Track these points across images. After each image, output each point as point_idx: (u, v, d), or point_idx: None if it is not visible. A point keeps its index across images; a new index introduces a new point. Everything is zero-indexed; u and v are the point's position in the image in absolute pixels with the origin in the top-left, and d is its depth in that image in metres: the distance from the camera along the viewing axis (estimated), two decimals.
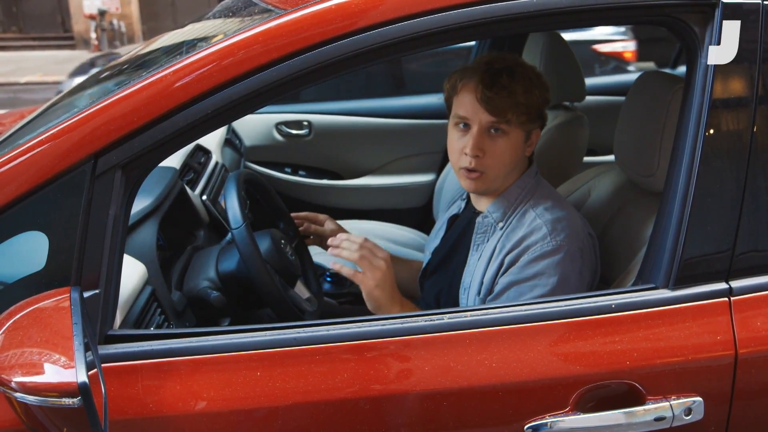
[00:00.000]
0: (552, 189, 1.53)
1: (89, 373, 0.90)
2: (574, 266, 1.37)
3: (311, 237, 1.83)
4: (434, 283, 1.64)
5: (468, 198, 1.61)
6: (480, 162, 1.43)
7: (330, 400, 1.07)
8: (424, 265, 1.72)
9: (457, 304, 1.52)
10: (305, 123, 3.01)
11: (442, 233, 1.69)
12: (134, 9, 14.41)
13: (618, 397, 1.12)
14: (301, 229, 1.80)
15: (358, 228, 1.95)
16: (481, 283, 1.45)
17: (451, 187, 2.50)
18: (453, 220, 1.67)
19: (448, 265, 1.60)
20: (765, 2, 1.12)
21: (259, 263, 1.50)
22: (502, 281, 1.41)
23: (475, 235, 1.52)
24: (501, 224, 1.47)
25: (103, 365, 1.02)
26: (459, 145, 1.45)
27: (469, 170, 1.44)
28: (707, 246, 1.15)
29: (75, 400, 0.88)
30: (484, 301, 1.44)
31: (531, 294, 1.36)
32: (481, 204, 1.53)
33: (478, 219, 1.52)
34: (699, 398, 1.12)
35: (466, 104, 1.44)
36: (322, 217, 1.83)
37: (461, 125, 1.46)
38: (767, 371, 1.16)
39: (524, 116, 1.43)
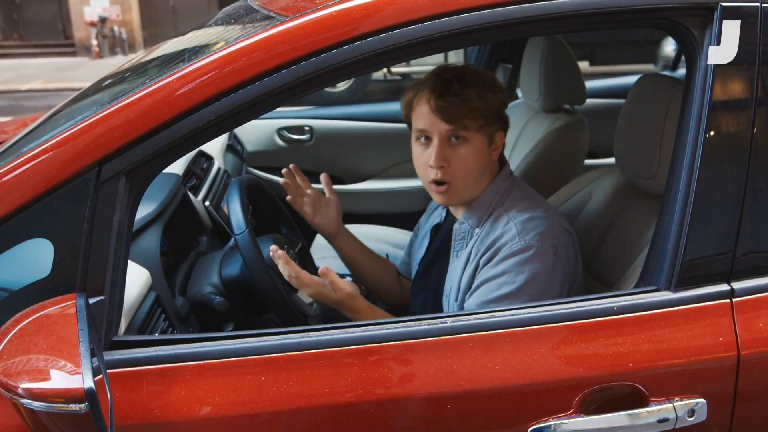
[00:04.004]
0: (527, 189, 1.53)
1: (95, 378, 0.91)
2: (545, 264, 1.37)
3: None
4: (418, 293, 1.65)
5: (447, 207, 1.62)
6: (446, 172, 1.43)
7: (334, 404, 1.07)
8: (412, 274, 1.73)
9: (441, 312, 1.53)
10: (306, 128, 3.02)
11: (426, 243, 1.70)
12: (135, 15, 14.45)
13: (621, 399, 1.12)
14: (284, 181, 1.77)
15: (359, 232, 1.96)
16: (459, 287, 1.46)
17: None
18: (436, 229, 1.68)
19: (431, 274, 1.61)
20: (764, 4, 1.13)
21: (262, 268, 1.51)
22: (476, 281, 1.42)
23: (454, 242, 1.53)
24: (477, 229, 1.48)
25: (108, 371, 1.02)
26: (423, 159, 1.46)
27: (438, 183, 1.45)
28: (709, 248, 1.16)
29: (82, 405, 0.89)
30: (461, 304, 1.45)
31: (499, 292, 1.37)
32: (459, 211, 1.54)
33: (455, 226, 1.53)
34: (702, 399, 1.12)
35: (423, 117, 1.44)
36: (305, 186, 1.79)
37: (422, 139, 1.46)
38: None
39: (481, 120, 1.43)
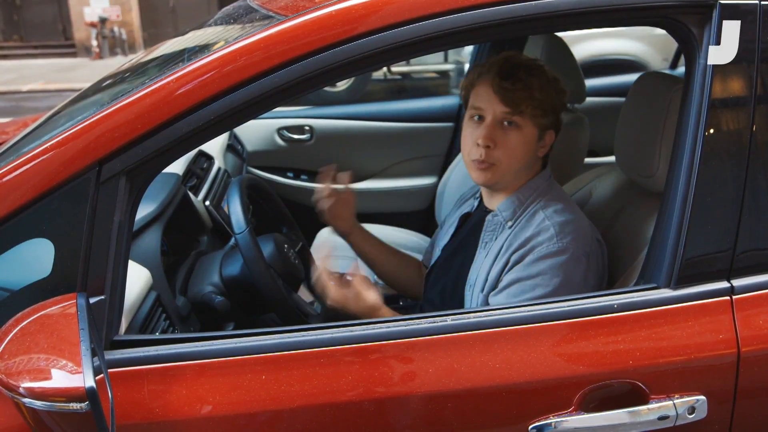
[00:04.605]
0: (564, 193, 1.54)
1: (96, 378, 0.91)
2: (578, 269, 1.38)
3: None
4: (439, 279, 1.65)
5: (480, 197, 1.62)
6: (491, 153, 1.44)
7: (335, 403, 1.07)
8: (432, 261, 1.73)
9: (460, 301, 1.53)
10: (307, 128, 3.01)
11: (452, 230, 1.70)
12: (135, 16, 14.44)
13: (621, 396, 1.12)
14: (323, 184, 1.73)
15: None
16: (486, 280, 1.46)
17: (454, 190, 2.51)
18: (465, 218, 1.68)
19: (454, 262, 1.61)
20: (763, 2, 1.13)
21: (262, 268, 1.51)
22: (506, 278, 1.41)
23: (484, 233, 1.53)
24: (510, 223, 1.48)
25: (109, 370, 1.02)
26: (472, 137, 1.47)
27: (480, 161, 1.45)
28: (708, 245, 1.16)
29: (83, 404, 0.89)
30: (486, 298, 1.45)
31: (532, 293, 1.37)
32: (493, 203, 1.54)
33: (488, 217, 1.53)
34: (702, 397, 1.12)
35: (482, 96, 1.46)
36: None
37: (476, 117, 1.47)
38: None
39: (538, 111, 1.44)
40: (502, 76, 1.43)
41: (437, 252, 1.72)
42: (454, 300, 1.56)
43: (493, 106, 1.44)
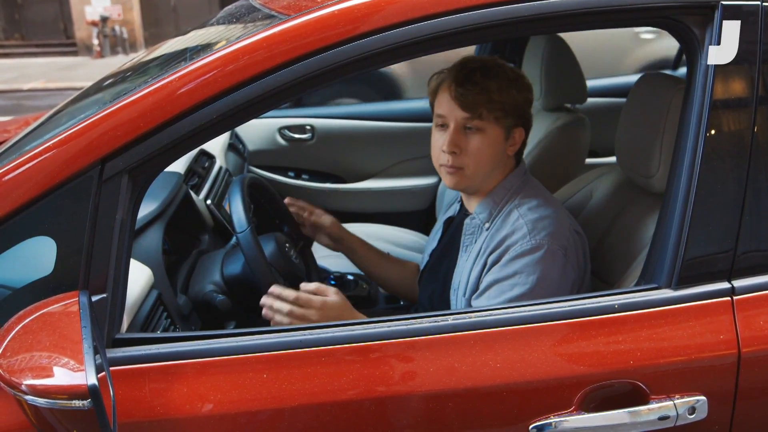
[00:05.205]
0: (539, 188, 1.53)
1: (98, 375, 0.91)
2: (555, 264, 1.38)
3: (306, 227, 1.86)
4: (428, 285, 1.66)
5: (461, 200, 1.63)
6: (457, 159, 1.45)
7: (335, 402, 1.08)
8: (421, 267, 1.74)
9: (448, 306, 1.53)
10: (308, 127, 3.02)
11: (438, 236, 1.71)
12: (136, 15, 14.44)
13: (622, 396, 1.12)
14: (293, 210, 1.83)
15: (361, 231, 1.96)
16: (467, 283, 1.46)
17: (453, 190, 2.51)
18: (449, 222, 1.69)
19: (440, 267, 1.62)
20: (764, 3, 1.13)
21: (263, 267, 1.51)
22: (485, 280, 1.42)
23: (464, 236, 1.54)
24: (487, 225, 1.49)
25: (111, 368, 1.03)
26: (438, 144, 1.48)
27: (448, 165, 1.46)
28: (709, 246, 1.16)
29: (85, 402, 0.89)
30: (468, 301, 1.45)
31: (511, 293, 1.37)
32: (471, 205, 1.55)
33: (466, 220, 1.54)
34: (703, 397, 1.12)
35: (443, 103, 1.46)
36: (318, 211, 1.87)
37: (441, 125, 1.48)
38: None
39: (499, 113, 1.43)
40: (458, 82, 1.43)
41: (426, 257, 1.73)
42: (442, 304, 1.56)
43: (453, 112, 1.44)
